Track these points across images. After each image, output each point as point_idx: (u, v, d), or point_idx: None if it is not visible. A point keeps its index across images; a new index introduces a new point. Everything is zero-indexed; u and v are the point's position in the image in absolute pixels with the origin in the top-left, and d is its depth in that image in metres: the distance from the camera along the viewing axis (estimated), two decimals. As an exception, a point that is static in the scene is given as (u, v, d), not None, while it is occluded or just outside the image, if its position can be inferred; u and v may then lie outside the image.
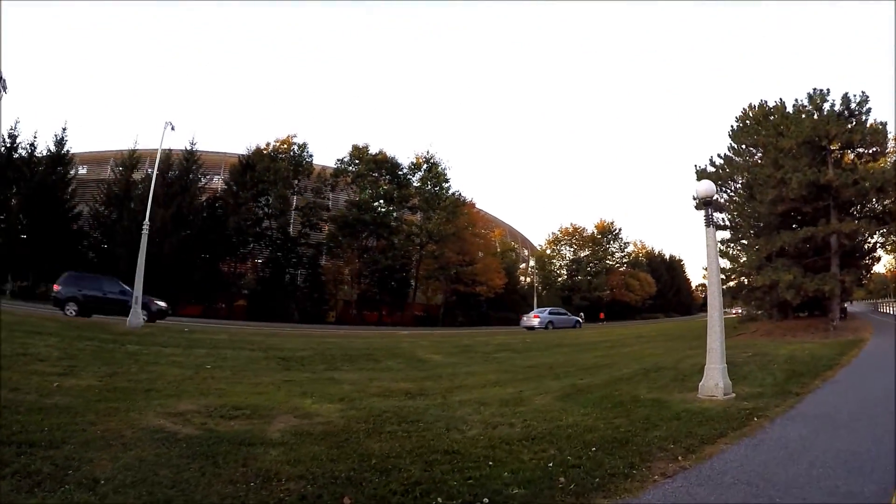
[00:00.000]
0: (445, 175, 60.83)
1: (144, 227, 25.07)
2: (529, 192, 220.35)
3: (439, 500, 5.01)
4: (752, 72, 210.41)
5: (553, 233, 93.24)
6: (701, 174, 40.08)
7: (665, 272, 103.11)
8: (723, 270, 39.77)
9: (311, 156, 56.72)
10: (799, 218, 33.30)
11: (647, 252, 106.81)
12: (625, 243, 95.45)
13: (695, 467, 6.42)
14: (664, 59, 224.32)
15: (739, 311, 66.52)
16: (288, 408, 8.93)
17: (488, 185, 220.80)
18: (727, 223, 41.32)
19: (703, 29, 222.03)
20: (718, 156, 41.19)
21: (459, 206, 60.06)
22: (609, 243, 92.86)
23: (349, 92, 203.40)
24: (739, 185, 41.16)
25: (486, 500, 5.06)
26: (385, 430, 7.68)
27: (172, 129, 26.56)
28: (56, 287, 26.82)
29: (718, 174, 40.31)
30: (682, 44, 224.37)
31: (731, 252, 39.82)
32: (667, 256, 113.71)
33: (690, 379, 11.72)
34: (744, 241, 40.31)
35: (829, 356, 18.25)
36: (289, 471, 5.52)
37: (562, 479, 5.69)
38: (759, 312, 38.16)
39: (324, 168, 59.61)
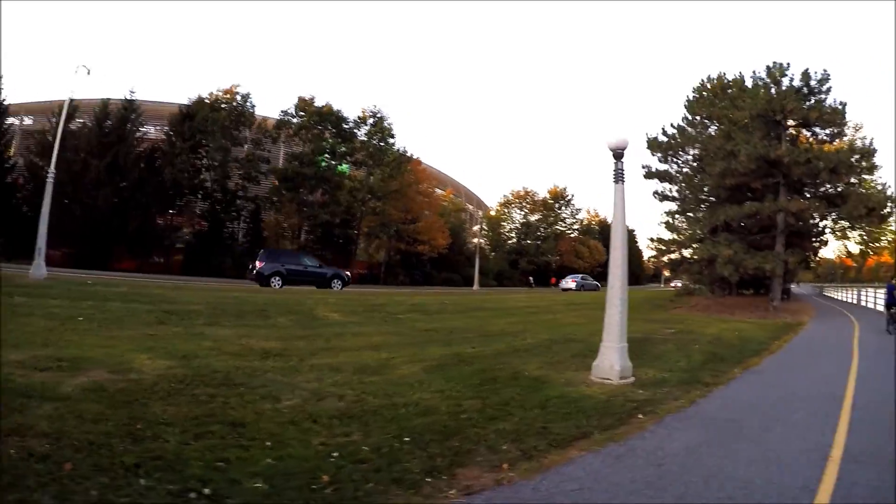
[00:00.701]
0: (391, 130, 58.86)
1: (49, 175, 23.47)
2: (489, 156, 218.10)
3: (142, 482, 4.04)
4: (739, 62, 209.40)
5: (504, 195, 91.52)
6: (652, 143, 38.38)
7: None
8: (665, 242, 38.63)
9: (253, 106, 54.14)
10: (748, 194, 31.63)
11: (599, 221, 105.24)
12: (576, 209, 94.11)
13: (515, 485, 4.67)
14: (638, 27, 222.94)
15: (678, 283, 66.32)
16: (113, 362, 7.91)
17: (446, 145, 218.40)
18: (675, 194, 40.02)
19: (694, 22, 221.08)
20: (672, 125, 39.26)
21: (404, 163, 58.09)
22: (561, 209, 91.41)
23: (301, 47, 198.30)
24: (691, 157, 39.55)
25: (198, 492, 4.02)
26: (191, 392, 6.78)
27: (88, 73, 24.47)
28: (259, 263, 29.19)
29: (670, 144, 38.61)
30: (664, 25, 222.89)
31: (676, 224, 38.53)
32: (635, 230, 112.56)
33: (595, 355, 9.83)
34: (690, 214, 38.88)
35: (760, 339, 16.84)
36: (40, 427, 4.90)
37: (325, 478, 4.44)
38: (697, 287, 36.87)
39: (265, 119, 56.74)
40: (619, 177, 10.00)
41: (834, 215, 33.77)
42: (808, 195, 32.48)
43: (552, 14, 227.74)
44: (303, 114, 55.75)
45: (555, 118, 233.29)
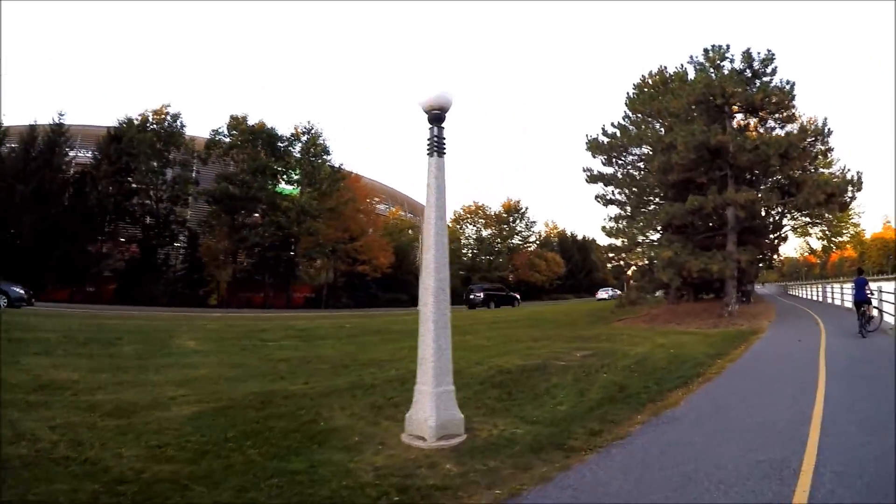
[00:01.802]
0: (325, 146, 57.43)
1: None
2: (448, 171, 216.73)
3: None
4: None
5: (455, 211, 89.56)
6: (592, 144, 35.61)
7: (576, 252, 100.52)
8: (605, 249, 35.90)
9: (183, 126, 52.76)
10: (695, 191, 28.64)
11: (558, 232, 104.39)
12: (531, 222, 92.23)
13: None
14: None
15: (605, 294, 64.19)
16: None
17: (396, 159, 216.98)
18: (621, 198, 37.12)
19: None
20: (612, 124, 36.49)
21: (339, 179, 56.12)
22: (515, 222, 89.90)
23: (236, 64, 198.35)
24: (636, 158, 36.86)
25: None
26: None
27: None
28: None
29: (612, 145, 35.80)
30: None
31: (618, 228, 34.60)
32: (579, 237, 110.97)
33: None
34: (631, 217, 35.54)
35: (698, 359, 13.45)
36: None
37: None
38: (640, 295, 32.59)
39: (193, 139, 54.29)
40: (436, 147, 6.93)
41: (792, 209, 31.42)
42: (761, 186, 29.60)
43: (506, 15, 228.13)
44: (235, 132, 53.95)
45: (510, 128, 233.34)
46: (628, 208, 36.53)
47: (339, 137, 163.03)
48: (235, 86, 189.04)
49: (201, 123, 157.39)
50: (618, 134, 35.71)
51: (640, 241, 30.43)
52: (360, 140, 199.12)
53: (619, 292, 58.46)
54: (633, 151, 36.39)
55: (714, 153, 25.83)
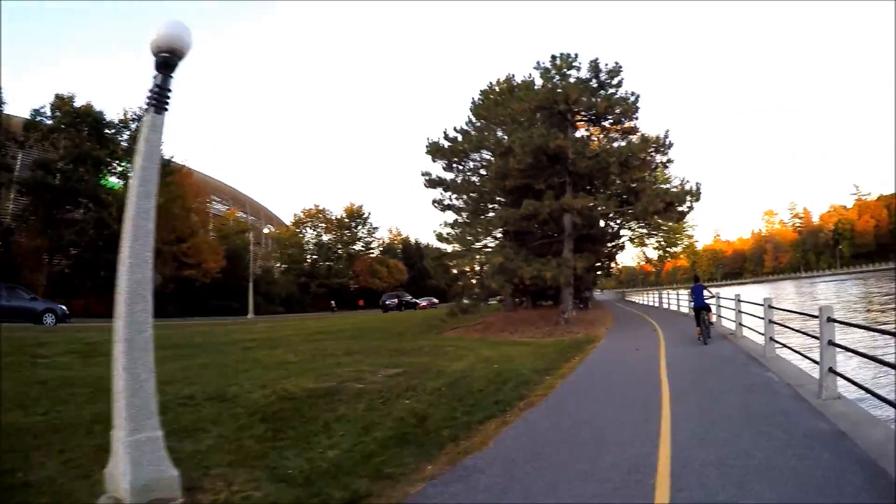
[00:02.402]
0: None
1: None
2: (288, 171, 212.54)
3: None
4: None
5: (296, 214, 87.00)
6: (433, 148, 34.39)
7: (419, 260, 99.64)
8: (441, 254, 34.87)
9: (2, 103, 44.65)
10: (534, 197, 27.86)
11: (402, 239, 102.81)
12: (374, 228, 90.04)
13: None
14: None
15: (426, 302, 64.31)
16: None
17: (241, 158, 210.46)
18: (460, 204, 36.16)
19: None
20: (455, 129, 35.42)
21: (168, 174, 49.32)
22: (357, 228, 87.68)
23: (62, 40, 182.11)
24: (478, 164, 35.70)
25: None
26: None
27: None
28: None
29: (453, 150, 34.65)
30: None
31: (451, 235, 33.31)
32: (423, 244, 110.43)
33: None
34: (467, 223, 34.27)
35: (525, 375, 12.01)
36: None
37: None
38: (470, 303, 31.70)
39: (10, 118, 47.36)
40: (156, 101, 5.17)
41: (631, 219, 31.48)
42: (600, 193, 29.12)
43: (352, 11, 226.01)
44: (59, 114, 47.71)
45: (355, 132, 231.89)
46: (465, 214, 35.47)
47: (176, 128, 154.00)
48: (61, 62, 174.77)
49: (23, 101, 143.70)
50: (459, 138, 34.61)
51: (473, 247, 29.42)
52: (202, 134, 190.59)
53: (435, 301, 59.60)
54: (475, 157, 35.30)
55: (553, 159, 25.17)
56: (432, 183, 34.90)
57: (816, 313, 8.66)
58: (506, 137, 30.01)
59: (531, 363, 14.08)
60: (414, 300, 65.04)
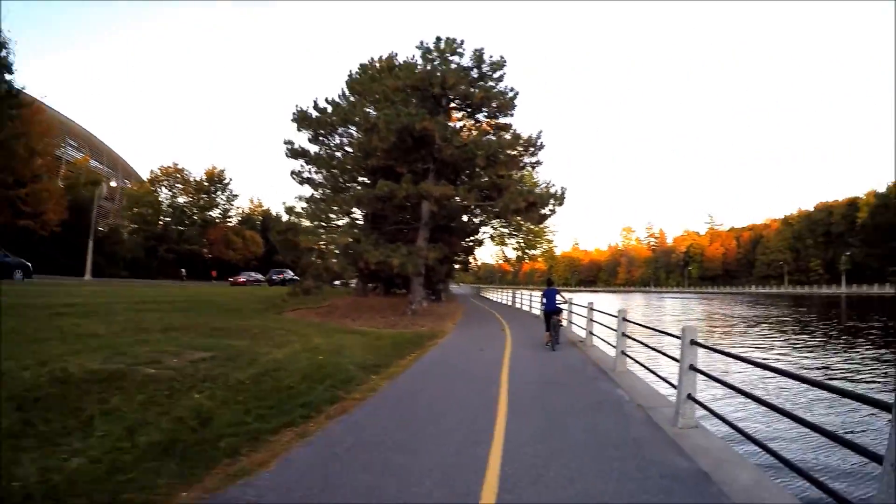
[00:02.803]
0: (7, 61, 42.11)
1: None
2: (160, 128, 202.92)
3: None
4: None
5: (152, 170, 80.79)
6: (301, 117, 32.16)
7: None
8: (287, 228, 32.80)
9: None
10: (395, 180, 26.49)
11: (263, 211, 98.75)
12: (234, 195, 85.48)
13: None
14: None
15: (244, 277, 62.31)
16: None
17: (109, 105, 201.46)
18: (314, 177, 34.14)
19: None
20: (327, 100, 33.44)
21: (14, 106, 43.22)
22: (217, 193, 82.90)
23: None
24: (344, 139, 33.90)
25: None
26: None
27: None
28: None
29: (320, 121, 32.62)
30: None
31: (309, 210, 30.51)
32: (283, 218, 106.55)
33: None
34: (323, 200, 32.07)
35: (348, 372, 10.55)
36: None
37: None
38: (314, 283, 28.63)
39: None
40: None
41: (492, 215, 30.71)
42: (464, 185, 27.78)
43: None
44: None
45: (228, 94, 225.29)
46: (322, 191, 33.56)
47: (39, 59, 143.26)
48: None
49: None
50: (329, 110, 32.66)
51: (325, 225, 27.70)
52: (68, 71, 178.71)
53: (290, 274, 56.77)
54: (342, 132, 33.44)
55: (419, 142, 23.95)
56: (294, 153, 32.61)
57: (673, 331, 7.84)
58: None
59: (361, 357, 12.68)
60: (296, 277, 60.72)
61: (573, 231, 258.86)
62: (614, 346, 12.78)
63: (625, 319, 12.39)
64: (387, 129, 22.65)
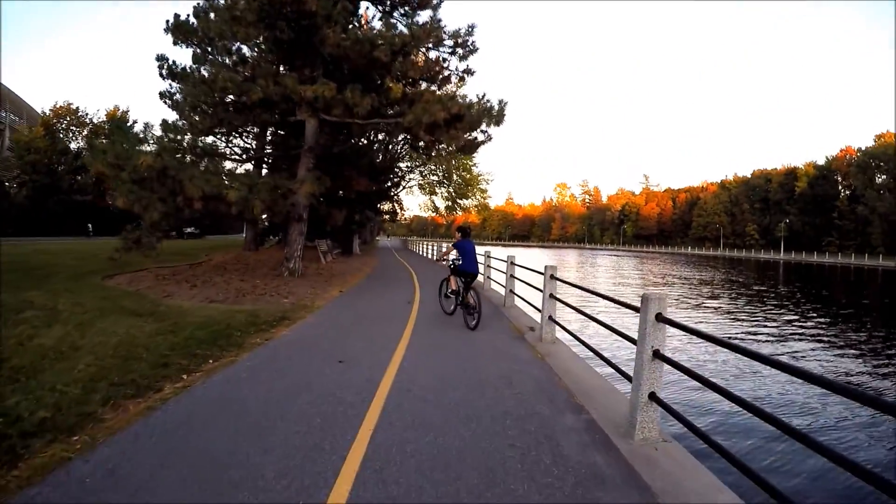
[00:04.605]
0: None
1: None
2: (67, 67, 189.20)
3: None
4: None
5: (44, 112, 69.25)
6: (180, 27, 22.81)
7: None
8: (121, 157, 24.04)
9: None
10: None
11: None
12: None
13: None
14: None
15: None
16: None
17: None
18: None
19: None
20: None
21: None
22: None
23: None
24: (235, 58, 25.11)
25: None
26: None
27: None
28: None
29: (195, 28, 23.17)
30: None
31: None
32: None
33: None
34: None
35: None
36: None
37: None
38: (145, 235, 17.77)
39: None
40: None
41: (396, 128, 22.89)
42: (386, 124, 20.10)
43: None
44: None
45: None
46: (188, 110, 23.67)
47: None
48: None
49: None
50: (212, 14, 23.19)
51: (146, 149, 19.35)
52: None
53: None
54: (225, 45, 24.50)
55: (300, 33, 16.74)
56: (173, 74, 23.98)
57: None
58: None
59: (95, 373, 6.33)
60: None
61: (507, 185, 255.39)
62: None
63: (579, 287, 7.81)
64: (249, 7, 15.33)
